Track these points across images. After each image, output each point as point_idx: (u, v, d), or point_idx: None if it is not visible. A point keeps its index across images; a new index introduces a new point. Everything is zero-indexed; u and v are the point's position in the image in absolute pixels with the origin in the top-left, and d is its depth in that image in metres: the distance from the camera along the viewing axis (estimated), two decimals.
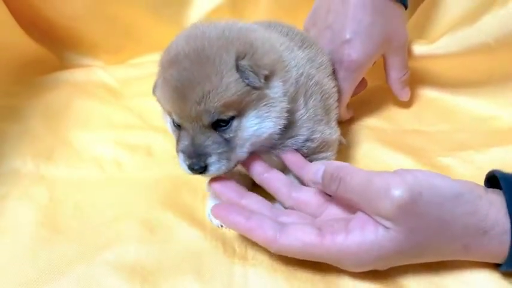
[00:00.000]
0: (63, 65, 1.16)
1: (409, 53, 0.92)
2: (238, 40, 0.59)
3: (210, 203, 0.70)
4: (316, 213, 0.62)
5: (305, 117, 0.65)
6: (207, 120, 0.58)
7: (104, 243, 0.65)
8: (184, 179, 0.76)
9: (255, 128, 0.60)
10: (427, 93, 0.98)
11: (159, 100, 0.63)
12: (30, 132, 0.91)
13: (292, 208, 0.63)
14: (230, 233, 0.66)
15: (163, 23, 1.14)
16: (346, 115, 0.90)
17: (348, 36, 0.81)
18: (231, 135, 0.59)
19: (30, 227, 0.68)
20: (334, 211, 0.61)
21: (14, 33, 1.06)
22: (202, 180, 0.74)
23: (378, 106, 0.97)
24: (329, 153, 0.70)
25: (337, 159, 0.71)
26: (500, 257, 0.55)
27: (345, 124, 0.89)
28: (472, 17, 0.86)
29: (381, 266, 0.57)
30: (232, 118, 0.59)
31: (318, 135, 0.66)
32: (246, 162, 0.64)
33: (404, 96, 0.93)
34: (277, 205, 0.65)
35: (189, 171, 0.60)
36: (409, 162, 0.78)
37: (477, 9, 0.86)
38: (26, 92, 1.04)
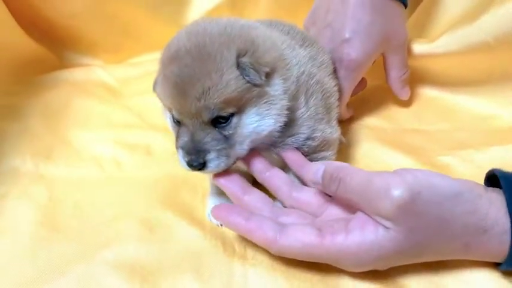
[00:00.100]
0: (62, 64, 1.16)
1: (408, 52, 0.92)
2: (239, 37, 0.59)
3: (209, 202, 0.70)
4: (317, 213, 0.62)
5: (306, 115, 0.65)
6: (206, 116, 0.58)
7: (104, 242, 0.65)
8: (183, 178, 0.76)
9: (255, 125, 0.60)
10: (427, 92, 0.98)
11: (159, 96, 0.63)
12: (30, 131, 0.91)
13: (292, 207, 0.63)
14: (230, 232, 0.66)
15: (163, 22, 1.14)
16: (346, 114, 0.90)
17: (347, 36, 0.81)
18: (231, 132, 0.59)
19: (29, 227, 0.68)
20: (334, 211, 0.61)
21: (14, 33, 1.06)
22: (201, 179, 0.74)
23: (377, 105, 0.96)
24: (329, 152, 0.69)
25: (337, 158, 0.71)
26: (500, 256, 0.55)
27: (344, 123, 0.89)
28: (471, 15, 0.86)
29: (381, 266, 0.57)
30: (232, 115, 0.59)
31: (319, 134, 0.66)
32: (248, 160, 0.64)
33: (404, 95, 0.93)
34: (278, 203, 0.65)
35: (188, 168, 0.60)
36: (409, 162, 0.78)
37: (477, 8, 0.86)
38: (25, 91, 1.04)
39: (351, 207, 0.59)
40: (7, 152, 0.84)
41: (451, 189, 0.53)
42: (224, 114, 0.58)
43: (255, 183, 0.67)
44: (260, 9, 1.14)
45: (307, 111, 0.65)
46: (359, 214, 0.56)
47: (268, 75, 0.60)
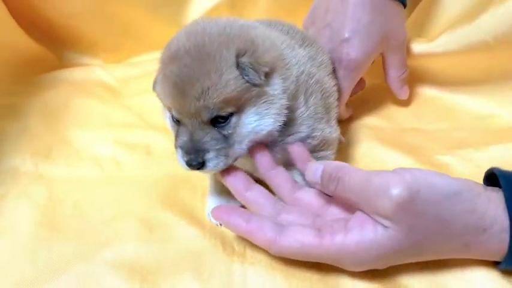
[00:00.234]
0: (62, 64, 1.16)
1: (408, 51, 0.92)
2: (239, 37, 0.59)
3: (209, 201, 0.71)
4: (318, 213, 0.62)
5: (305, 115, 0.65)
6: (206, 116, 0.58)
7: (103, 242, 0.65)
8: (183, 177, 0.76)
9: (254, 124, 0.60)
10: (426, 92, 0.98)
11: (158, 96, 0.63)
12: (29, 130, 0.91)
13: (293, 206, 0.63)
14: (229, 232, 0.66)
15: (162, 22, 1.14)
16: (345, 114, 0.90)
17: (346, 35, 0.81)
18: (230, 131, 0.59)
19: (29, 226, 0.69)
20: (335, 211, 0.61)
21: (14, 33, 1.06)
22: (201, 178, 0.75)
23: (376, 105, 0.97)
24: (329, 152, 0.70)
25: (336, 158, 0.71)
26: (500, 254, 0.55)
27: (344, 123, 0.89)
28: (470, 15, 0.86)
29: (380, 265, 0.57)
30: (231, 114, 0.59)
31: (318, 133, 0.66)
32: (256, 155, 0.63)
33: (403, 94, 0.93)
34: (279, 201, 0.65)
35: (187, 167, 0.60)
36: (408, 161, 0.78)
37: (476, 7, 0.87)
38: (25, 90, 1.04)
39: (351, 207, 0.58)
40: (7, 152, 0.84)
41: (449, 188, 0.53)
42: (223, 114, 0.58)
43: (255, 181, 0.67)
44: (259, 9, 1.14)
45: (306, 111, 0.66)
46: (358, 213, 0.56)
47: (268, 75, 0.60)
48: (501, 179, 0.55)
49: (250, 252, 0.63)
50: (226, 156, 0.60)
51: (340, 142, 0.75)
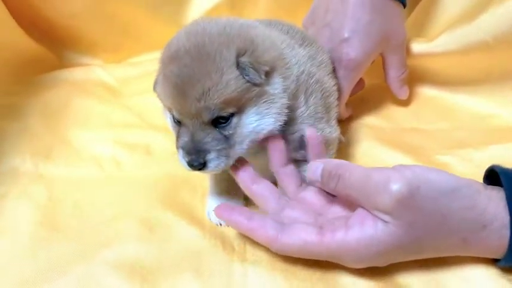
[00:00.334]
0: (62, 64, 1.16)
1: (407, 51, 0.92)
2: (239, 37, 0.59)
3: (209, 201, 0.71)
4: (320, 212, 0.62)
5: (306, 114, 0.65)
6: (207, 117, 0.58)
7: (103, 242, 0.65)
8: (183, 177, 0.76)
9: (255, 124, 0.60)
10: (426, 92, 0.98)
11: (159, 96, 0.63)
12: (29, 130, 0.91)
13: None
14: (229, 232, 0.66)
15: (162, 22, 1.14)
16: (344, 113, 0.90)
17: (346, 35, 0.81)
18: (231, 132, 0.59)
19: (29, 227, 0.69)
20: (337, 210, 0.61)
21: (13, 33, 1.06)
22: (201, 178, 0.75)
23: (376, 104, 0.97)
24: (329, 151, 0.70)
25: (336, 157, 0.72)
26: (499, 251, 0.55)
27: (343, 122, 0.89)
28: (470, 15, 0.86)
29: (381, 262, 0.57)
30: (232, 115, 0.59)
31: (319, 133, 0.66)
32: (270, 148, 0.63)
33: (403, 94, 0.93)
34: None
35: (189, 168, 0.60)
36: (408, 161, 0.78)
37: (475, 7, 0.87)
38: (25, 90, 1.04)
39: (352, 205, 0.59)
40: (7, 152, 0.84)
41: (448, 184, 0.53)
42: (224, 114, 0.58)
43: None
44: (259, 9, 1.14)
45: (306, 110, 0.66)
46: (359, 210, 0.56)
47: (268, 74, 0.60)
48: (502, 176, 0.55)
49: (250, 252, 0.63)
50: (227, 156, 0.60)
51: (340, 142, 0.75)
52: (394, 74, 0.90)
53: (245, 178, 0.63)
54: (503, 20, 0.82)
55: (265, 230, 0.57)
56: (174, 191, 0.75)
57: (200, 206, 0.72)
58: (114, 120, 0.95)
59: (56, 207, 0.73)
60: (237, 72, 0.57)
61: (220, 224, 0.67)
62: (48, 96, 1.02)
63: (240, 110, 0.59)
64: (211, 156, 0.59)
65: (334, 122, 0.72)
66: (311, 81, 0.67)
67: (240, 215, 0.59)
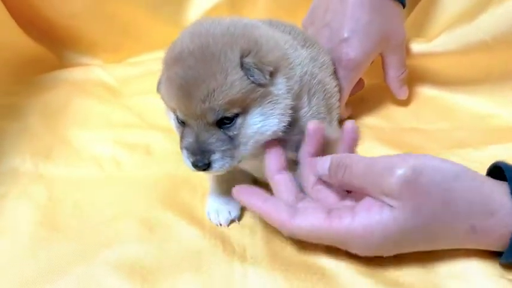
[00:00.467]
0: (62, 64, 1.16)
1: (407, 51, 0.92)
2: (242, 37, 0.59)
3: (210, 201, 0.71)
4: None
5: (308, 114, 0.66)
6: (211, 118, 0.58)
7: (104, 242, 0.65)
8: (183, 177, 0.76)
9: (259, 125, 0.60)
10: (425, 92, 0.98)
11: (163, 97, 0.63)
12: (29, 130, 0.91)
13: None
14: (229, 232, 0.67)
15: (162, 22, 1.14)
16: (344, 113, 0.90)
17: (346, 35, 0.82)
18: (235, 132, 0.59)
19: (29, 227, 0.69)
20: (349, 204, 0.62)
21: (13, 33, 1.06)
22: (201, 178, 0.75)
23: (376, 104, 0.97)
24: (330, 153, 0.69)
25: None
26: (504, 242, 0.55)
27: (343, 122, 0.89)
28: (469, 15, 0.86)
29: (387, 250, 0.57)
30: (237, 115, 0.59)
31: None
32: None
33: (403, 94, 0.93)
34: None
35: (193, 168, 0.60)
36: None
37: (475, 7, 0.87)
38: (25, 90, 1.04)
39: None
40: (7, 152, 0.84)
41: (452, 169, 0.54)
42: (229, 115, 0.58)
43: (255, 183, 0.68)
44: (259, 9, 1.15)
45: (309, 111, 0.66)
46: (366, 198, 0.57)
47: (272, 75, 0.60)
48: (507, 173, 0.55)
49: (250, 252, 0.63)
50: (232, 157, 0.60)
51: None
52: (393, 74, 0.90)
53: (272, 164, 0.63)
54: (502, 20, 0.82)
55: (278, 212, 0.58)
56: (174, 191, 0.75)
57: (200, 206, 0.72)
58: (114, 120, 0.95)
59: (56, 207, 0.73)
60: (241, 73, 0.57)
61: (220, 224, 0.67)
62: (48, 96, 1.02)
63: (244, 111, 0.59)
64: (215, 156, 0.59)
65: (335, 123, 0.73)
66: (313, 82, 0.68)
67: (257, 197, 0.60)
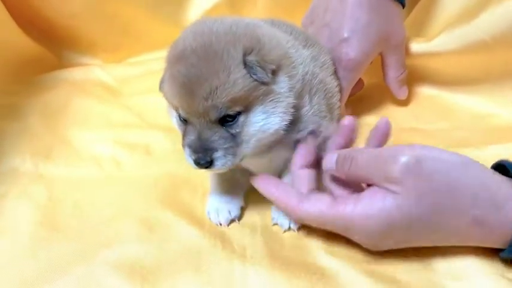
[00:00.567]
0: (61, 63, 1.16)
1: (406, 51, 0.92)
2: (245, 36, 0.59)
3: (210, 201, 0.71)
4: None
5: (310, 113, 0.66)
6: (214, 115, 0.58)
7: (103, 242, 0.65)
8: (183, 177, 0.76)
9: (261, 123, 0.60)
10: (425, 91, 0.99)
11: (165, 95, 0.63)
12: (29, 130, 0.91)
13: None
14: (229, 231, 0.67)
15: (162, 22, 1.14)
16: (344, 113, 0.90)
17: (345, 35, 0.82)
18: (238, 130, 0.59)
19: (29, 227, 0.69)
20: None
21: (13, 33, 1.06)
22: (201, 178, 0.75)
23: (375, 104, 0.97)
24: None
25: None
26: (509, 237, 0.55)
27: None
28: (469, 14, 0.86)
29: (389, 240, 0.58)
30: (239, 113, 0.59)
31: (323, 130, 0.67)
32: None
33: (402, 94, 0.93)
34: None
35: (195, 166, 0.60)
36: None
37: (474, 7, 0.87)
38: (24, 90, 1.04)
39: None
40: (6, 152, 0.84)
41: (457, 159, 0.55)
42: (231, 112, 0.58)
43: None
44: (258, 9, 1.14)
45: (311, 109, 0.66)
46: (370, 187, 0.57)
47: (274, 73, 0.60)
48: (510, 168, 0.56)
49: (250, 252, 0.63)
50: (234, 155, 0.60)
51: None
52: (393, 74, 0.90)
53: (299, 159, 0.64)
54: (502, 19, 0.82)
55: (288, 197, 0.60)
56: (174, 191, 0.75)
57: (200, 206, 0.72)
58: (114, 120, 0.95)
59: (56, 207, 0.73)
60: (244, 71, 0.57)
61: (220, 224, 0.67)
62: (47, 96, 1.02)
63: (247, 109, 0.59)
64: (218, 154, 0.59)
65: (336, 124, 0.73)
66: (315, 82, 0.68)
67: (272, 185, 0.63)
